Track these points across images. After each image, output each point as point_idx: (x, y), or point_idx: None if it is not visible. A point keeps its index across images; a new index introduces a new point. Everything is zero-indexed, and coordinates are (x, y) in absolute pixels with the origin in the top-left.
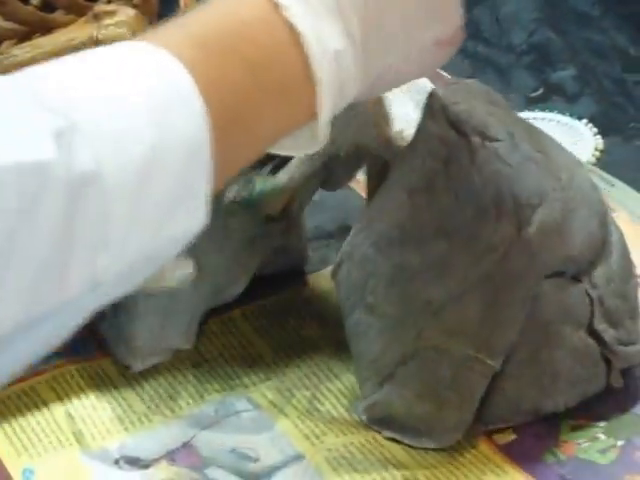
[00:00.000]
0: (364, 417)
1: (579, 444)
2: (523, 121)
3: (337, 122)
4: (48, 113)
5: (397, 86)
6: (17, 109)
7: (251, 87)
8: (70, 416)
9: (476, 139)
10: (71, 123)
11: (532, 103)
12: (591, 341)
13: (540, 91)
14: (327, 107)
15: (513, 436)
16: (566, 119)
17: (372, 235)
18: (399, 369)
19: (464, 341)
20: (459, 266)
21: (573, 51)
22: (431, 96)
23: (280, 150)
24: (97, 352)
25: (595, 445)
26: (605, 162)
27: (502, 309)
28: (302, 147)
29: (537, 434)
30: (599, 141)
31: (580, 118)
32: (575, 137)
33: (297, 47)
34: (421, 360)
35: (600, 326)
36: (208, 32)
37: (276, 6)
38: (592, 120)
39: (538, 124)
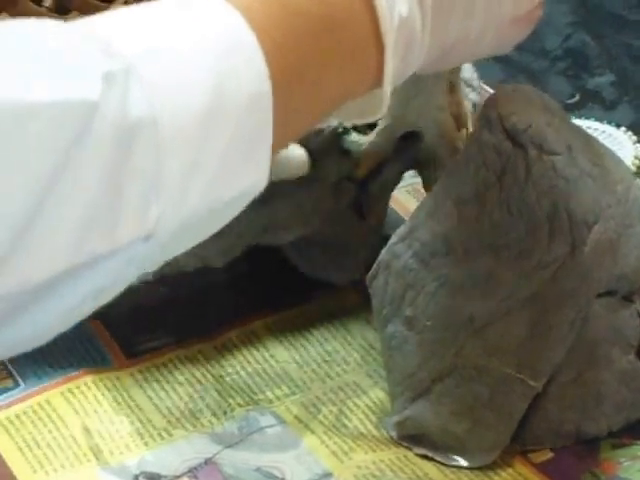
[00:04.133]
0: (394, 433)
1: (620, 463)
2: (581, 131)
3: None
4: (105, 56)
5: (469, 61)
6: (74, 50)
7: (317, 47)
8: (87, 430)
9: (533, 151)
10: (129, 66)
11: (568, 110)
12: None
13: (576, 98)
14: (391, 72)
15: (550, 454)
16: (604, 127)
17: (414, 245)
18: (435, 385)
19: (506, 360)
20: (506, 283)
21: (610, 56)
22: (488, 104)
23: (341, 116)
24: (114, 362)
25: (637, 464)
26: None
27: (549, 330)
28: (363, 115)
29: (575, 452)
30: (639, 149)
31: (619, 126)
32: (614, 145)
33: (368, 9)
34: (459, 377)
35: None
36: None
37: None
38: (631, 128)
39: None
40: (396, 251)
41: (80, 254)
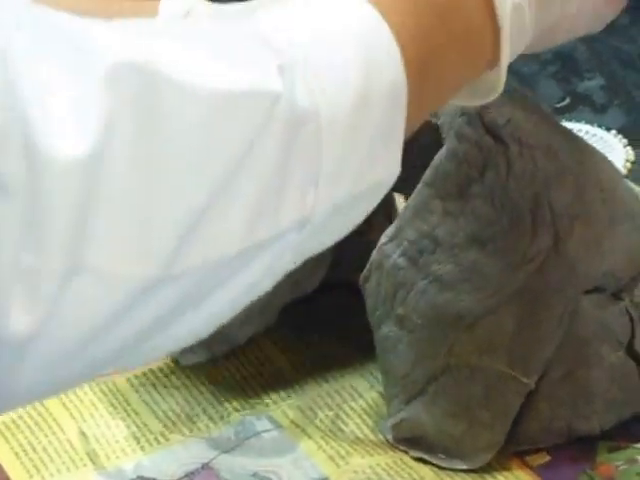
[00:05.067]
0: (390, 436)
1: (617, 467)
2: (563, 129)
3: None
4: (272, 50)
5: (568, 40)
6: (245, 45)
7: (441, 34)
8: (83, 435)
9: (514, 146)
10: (292, 61)
11: (558, 114)
12: (630, 362)
13: (566, 101)
14: (507, 55)
15: (547, 458)
16: (595, 130)
17: (403, 244)
18: (429, 386)
19: (498, 357)
20: (493, 277)
21: (600, 60)
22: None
23: (458, 100)
24: None
25: (634, 468)
26: (637, 174)
27: (538, 324)
28: (478, 96)
29: (572, 456)
30: (630, 152)
31: (609, 129)
32: (604, 148)
33: None
34: (452, 376)
35: None
36: None
37: None
38: (621, 131)
39: None
40: (386, 251)
41: (250, 237)
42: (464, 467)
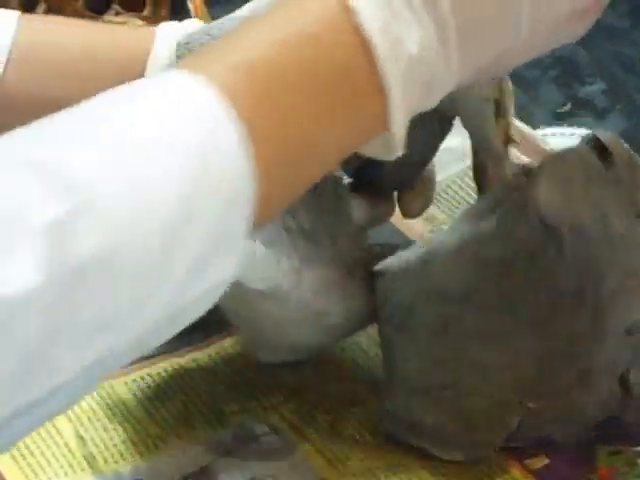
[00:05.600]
0: (390, 425)
1: (618, 470)
2: (619, 178)
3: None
4: (53, 199)
5: (523, 62)
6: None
7: (312, 111)
8: (81, 438)
9: (567, 231)
10: (84, 202)
11: (560, 118)
12: (618, 389)
13: (568, 106)
14: (398, 117)
15: (546, 461)
16: None
17: (428, 279)
18: (434, 390)
19: (511, 390)
20: (521, 343)
21: (601, 65)
22: (530, 200)
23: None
24: None
25: (634, 471)
26: None
27: (558, 371)
28: (378, 154)
29: (571, 459)
30: None
31: None
32: None
33: (367, 58)
34: (459, 392)
35: (636, 378)
36: (257, 54)
37: (346, 10)
38: (622, 136)
39: (566, 140)
40: (407, 267)
41: (20, 397)
42: (463, 459)
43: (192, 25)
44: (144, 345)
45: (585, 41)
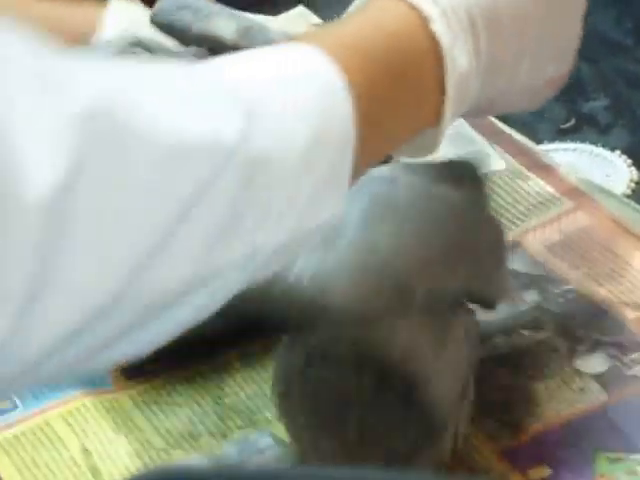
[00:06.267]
0: None
1: (617, 478)
2: None
3: None
4: (233, 100)
5: (502, 113)
6: (210, 96)
7: (392, 94)
8: (86, 451)
9: None
10: (250, 110)
11: (563, 134)
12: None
13: (572, 122)
14: (448, 119)
15: (548, 471)
16: (599, 150)
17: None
18: None
19: None
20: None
21: (605, 81)
22: None
23: (399, 153)
24: (113, 384)
25: (634, 479)
26: None
27: None
28: (416, 153)
29: (572, 468)
30: (634, 173)
31: (613, 149)
32: (609, 169)
33: (436, 62)
34: None
35: None
36: (359, 39)
37: (423, 19)
38: (626, 151)
39: (570, 155)
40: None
41: (192, 277)
42: None
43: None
44: (275, 262)
45: (589, 57)
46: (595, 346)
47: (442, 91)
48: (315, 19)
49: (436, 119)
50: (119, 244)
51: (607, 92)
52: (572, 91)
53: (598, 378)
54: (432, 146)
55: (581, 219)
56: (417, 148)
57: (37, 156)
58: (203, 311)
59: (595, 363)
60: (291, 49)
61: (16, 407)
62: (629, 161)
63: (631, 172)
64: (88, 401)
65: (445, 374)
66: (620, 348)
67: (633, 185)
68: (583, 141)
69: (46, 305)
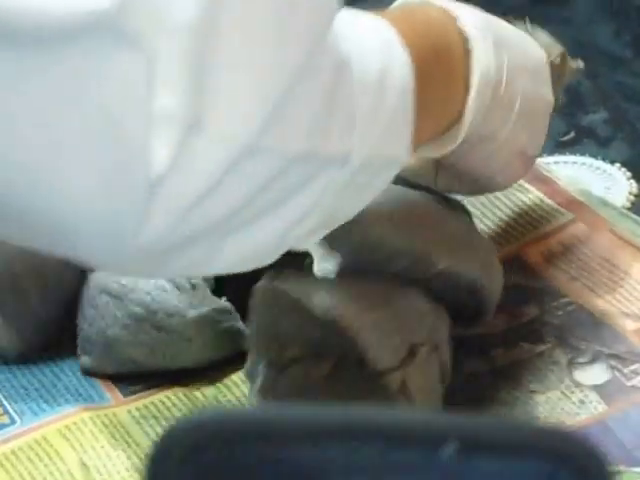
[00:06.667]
0: None
1: None
2: None
3: None
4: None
5: (483, 189)
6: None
7: (433, 71)
8: (84, 466)
9: None
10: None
11: (563, 147)
12: None
13: (571, 135)
14: (472, 112)
15: None
16: (598, 163)
17: None
18: None
19: None
20: None
21: (604, 94)
22: None
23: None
24: (111, 399)
25: None
26: None
27: None
28: (435, 150)
29: None
30: (633, 185)
31: (613, 162)
32: (608, 181)
33: (466, 55)
34: None
35: None
36: (407, 15)
37: (453, 17)
38: (625, 164)
39: (569, 168)
40: None
41: (311, 142)
42: None
43: None
44: (359, 186)
45: (588, 70)
46: (595, 358)
47: (466, 90)
48: None
49: (459, 116)
50: (261, 74)
51: (606, 105)
52: (571, 104)
53: (598, 389)
54: (453, 140)
55: (581, 231)
56: (437, 148)
57: None
58: (315, 209)
59: (595, 375)
60: (360, 17)
61: (14, 422)
62: (628, 174)
63: (630, 185)
64: (86, 416)
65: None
66: (620, 359)
67: (632, 198)
68: (582, 154)
69: (199, 136)
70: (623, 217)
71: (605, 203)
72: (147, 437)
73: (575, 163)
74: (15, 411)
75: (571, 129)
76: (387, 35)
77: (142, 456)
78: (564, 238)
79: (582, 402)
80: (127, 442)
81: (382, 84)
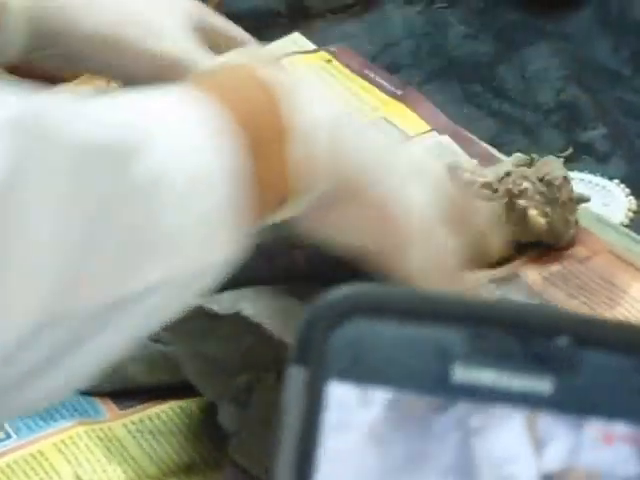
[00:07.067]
0: None
1: None
2: None
3: None
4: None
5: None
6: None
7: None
8: (80, 479)
9: None
10: (142, 133)
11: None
12: None
13: (569, 151)
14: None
15: None
16: (597, 179)
17: None
18: None
19: None
20: None
21: (603, 110)
22: None
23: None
24: (107, 414)
25: None
26: (639, 223)
27: None
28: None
29: None
30: (632, 202)
31: (611, 178)
32: (607, 198)
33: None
34: None
35: None
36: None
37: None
38: (624, 180)
39: None
40: None
41: (112, 292)
42: None
43: None
44: (172, 302)
45: (587, 86)
46: None
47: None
48: (310, 45)
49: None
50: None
51: (605, 121)
52: (570, 120)
53: None
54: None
55: (579, 249)
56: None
57: None
58: (122, 342)
59: None
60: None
61: (9, 437)
62: (627, 190)
63: (629, 201)
64: (82, 430)
65: None
66: None
67: (631, 214)
68: (581, 170)
69: None
70: (622, 236)
71: (604, 221)
72: (143, 451)
73: (574, 180)
74: (10, 425)
75: (570, 145)
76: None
77: (138, 470)
78: (562, 256)
79: None
80: (123, 456)
81: (198, 182)
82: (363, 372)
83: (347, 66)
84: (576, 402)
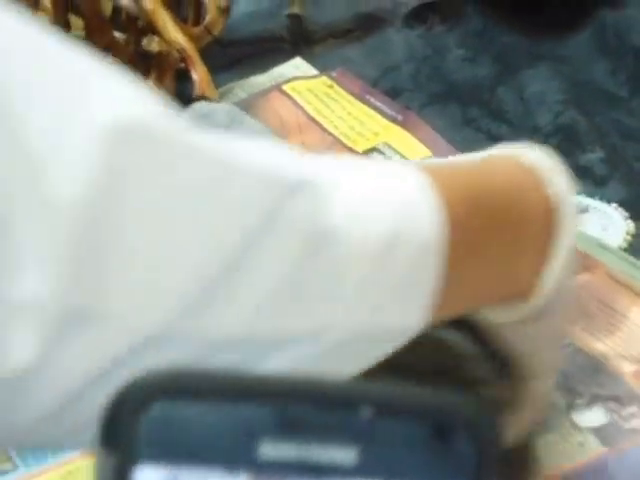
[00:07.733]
0: None
1: None
2: None
3: None
4: (312, 170)
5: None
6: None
7: (490, 239)
8: None
9: None
10: (331, 184)
11: None
12: None
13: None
14: (546, 289)
15: None
16: (595, 203)
17: None
18: None
19: None
20: None
21: (601, 133)
22: None
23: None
24: None
25: None
26: (637, 247)
27: None
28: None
29: None
30: (630, 225)
31: (609, 202)
32: (605, 221)
33: (547, 220)
34: None
35: None
36: (471, 186)
37: (540, 182)
38: (622, 204)
39: None
40: None
41: (259, 327)
42: None
43: None
44: (338, 359)
45: (584, 109)
46: (593, 400)
47: (544, 260)
48: (312, 70)
49: (530, 290)
50: (171, 268)
51: (603, 144)
52: (568, 143)
53: (597, 432)
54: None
55: (578, 274)
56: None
57: (73, 165)
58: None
59: (594, 417)
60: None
61: (17, 468)
62: (625, 214)
63: (627, 225)
64: (88, 462)
65: None
66: (618, 401)
67: (630, 238)
68: (579, 193)
69: (86, 327)
70: (620, 260)
71: (602, 245)
72: None
73: None
74: (18, 457)
75: (568, 168)
76: (409, 193)
77: None
78: None
79: (581, 444)
80: None
81: (389, 250)
82: (173, 453)
83: (348, 91)
84: (381, 469)
